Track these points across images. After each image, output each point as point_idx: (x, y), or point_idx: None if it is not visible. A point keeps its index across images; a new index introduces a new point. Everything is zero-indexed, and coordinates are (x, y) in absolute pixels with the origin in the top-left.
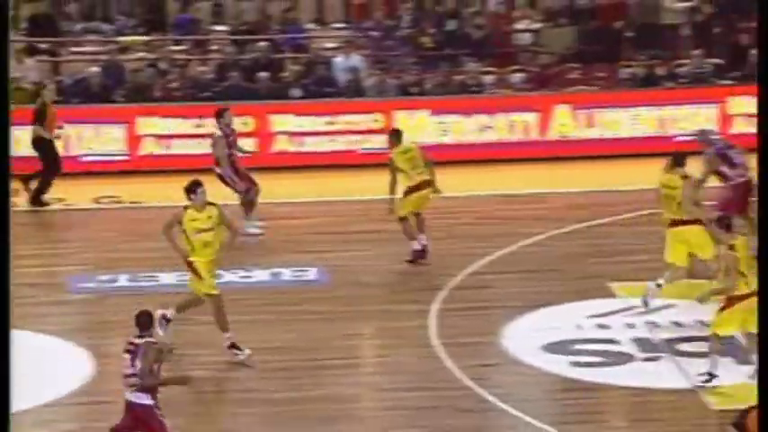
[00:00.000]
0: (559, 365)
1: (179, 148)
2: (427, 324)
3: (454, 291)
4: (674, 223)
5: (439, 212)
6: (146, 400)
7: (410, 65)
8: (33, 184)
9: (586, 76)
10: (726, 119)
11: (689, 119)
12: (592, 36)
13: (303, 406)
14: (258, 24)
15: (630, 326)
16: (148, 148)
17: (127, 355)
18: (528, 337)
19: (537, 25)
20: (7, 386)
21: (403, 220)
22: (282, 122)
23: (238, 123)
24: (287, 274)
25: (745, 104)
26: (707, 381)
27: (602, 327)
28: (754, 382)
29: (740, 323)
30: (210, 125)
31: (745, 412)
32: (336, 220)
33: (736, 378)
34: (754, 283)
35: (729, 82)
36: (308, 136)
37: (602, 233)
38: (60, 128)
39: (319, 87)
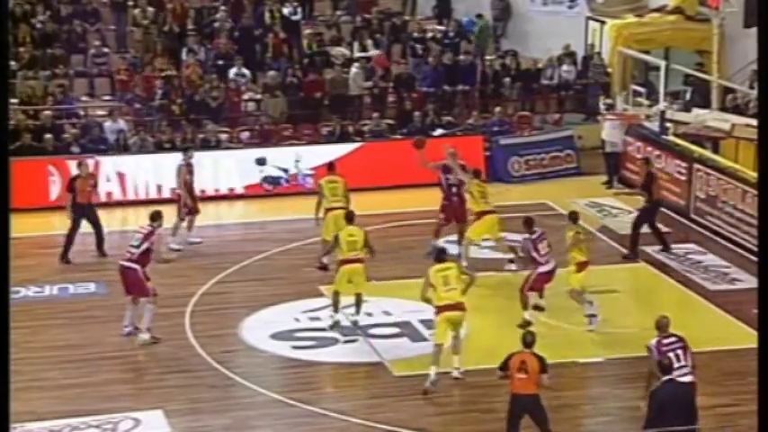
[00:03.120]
0: (283, 349)
1: None
2: (183, 322)
3: (203, 296)
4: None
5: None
6: None
7: (164, 127)
8: None
9: (297, 134)
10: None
11: None
12: (299, 104)
13: (88, 389)
14: (42, 98)
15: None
16: None
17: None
18: (260, 328)
19: (258, 96)
20: (7, 384)
21: (326, 241)
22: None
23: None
24: (72, 288)
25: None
26: (591, 321)
27: (314, 319)
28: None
29: (581, 281)
30: None
31: (507, 359)
32: (110, 246)
33: (411, 353)
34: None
35: (399, 136)
36: None
37: (312, 249)
38: None
39: (94, 145)
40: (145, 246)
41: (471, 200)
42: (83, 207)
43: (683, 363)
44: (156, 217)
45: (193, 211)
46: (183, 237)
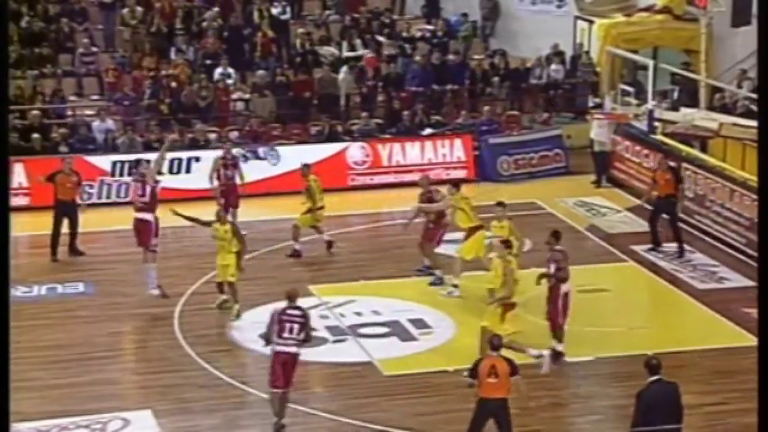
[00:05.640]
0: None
1: None
2: (172, 322)
3: (192, 295)
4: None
5: (177, 236)
6: None
7: (152, 126)
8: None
9: (285, 133)
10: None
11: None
12: (288, 103)
13: (77, 389)
14: (31, 98)
15: (324, 317)
16: None
17: None
18: (249, 328)
19: (247, 96)
20: (7, 384)
21: (297, 228)
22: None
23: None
24: (60, 288)
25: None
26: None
27: None
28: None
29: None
30: None
31: (476, 364)
32: (99, 245)
33: (401, 352)
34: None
35: (388, 135)
36: None
37: (302, 248)
38: None
39: (83, 145)
40: (148, 190)
41: (462, 215)
42: (65, 204)
43: (294, 335)
44: (136, 165)
45: (233, 205)
46: None
